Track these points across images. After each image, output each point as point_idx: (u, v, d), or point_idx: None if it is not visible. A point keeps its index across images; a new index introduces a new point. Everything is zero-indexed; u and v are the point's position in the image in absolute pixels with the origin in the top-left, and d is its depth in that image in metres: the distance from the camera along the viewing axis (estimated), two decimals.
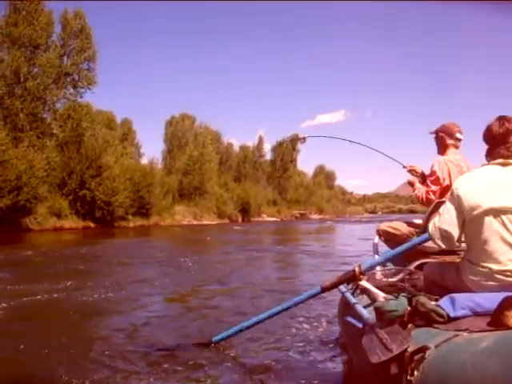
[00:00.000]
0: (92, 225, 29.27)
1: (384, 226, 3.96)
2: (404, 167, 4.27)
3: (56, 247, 14.84)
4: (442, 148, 3.83)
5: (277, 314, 3.44)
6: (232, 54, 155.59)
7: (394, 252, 2.98)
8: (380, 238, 3.92)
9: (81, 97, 31.14)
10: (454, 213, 2.35)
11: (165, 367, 3.27)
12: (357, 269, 2.79)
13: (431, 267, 2.79)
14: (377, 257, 3.48)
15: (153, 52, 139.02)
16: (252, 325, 3.51)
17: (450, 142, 3.77)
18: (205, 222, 40.95)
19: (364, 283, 2.82)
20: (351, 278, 2.86)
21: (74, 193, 29.08)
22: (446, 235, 2.39)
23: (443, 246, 2.44)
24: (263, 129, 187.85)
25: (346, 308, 3.08)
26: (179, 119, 49.72)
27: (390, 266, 3.30)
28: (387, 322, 2.13)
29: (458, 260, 2.82)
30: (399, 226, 3.85)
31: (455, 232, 2.36)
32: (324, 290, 3.01)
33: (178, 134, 48.41)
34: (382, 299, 2.56)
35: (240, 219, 48.87)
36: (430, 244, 2.99)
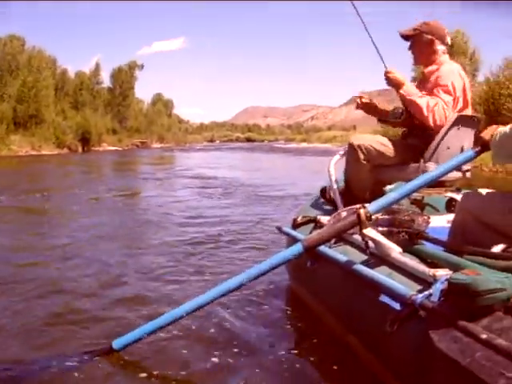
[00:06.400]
0: None
1: (365, 140, 2.81)
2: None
3: None
4: (429, 55, 2.82)
5: (214, 300, 2.16)
6: None
7: (419, 182, 2.05)
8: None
9: None
10: None
11: None
12: (362, 211, 1.91)
13: (479, 202, 1.91)
14: (335, 185, 2.80)
15: None
16: (172, 321, 2.20)
17: (440, 47, 2.80)
18: (44, 153, 39.43)
19: (371, 232, 1.95)
20: (351, 226, 1.97)
21: None
22: None
23: None
24: (98, 55, 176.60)
25: (334, 271, 2.24)
26: (6, 41, 45.23)
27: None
28: (479, 308, 1.31)
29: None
30: (387, 143, 2.79)
31: None
32: (309, 247, 1.99)
33: (7, 57, 44.22)
34: (398, 255, 1.88)
35: (80, 149, 47.58)
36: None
